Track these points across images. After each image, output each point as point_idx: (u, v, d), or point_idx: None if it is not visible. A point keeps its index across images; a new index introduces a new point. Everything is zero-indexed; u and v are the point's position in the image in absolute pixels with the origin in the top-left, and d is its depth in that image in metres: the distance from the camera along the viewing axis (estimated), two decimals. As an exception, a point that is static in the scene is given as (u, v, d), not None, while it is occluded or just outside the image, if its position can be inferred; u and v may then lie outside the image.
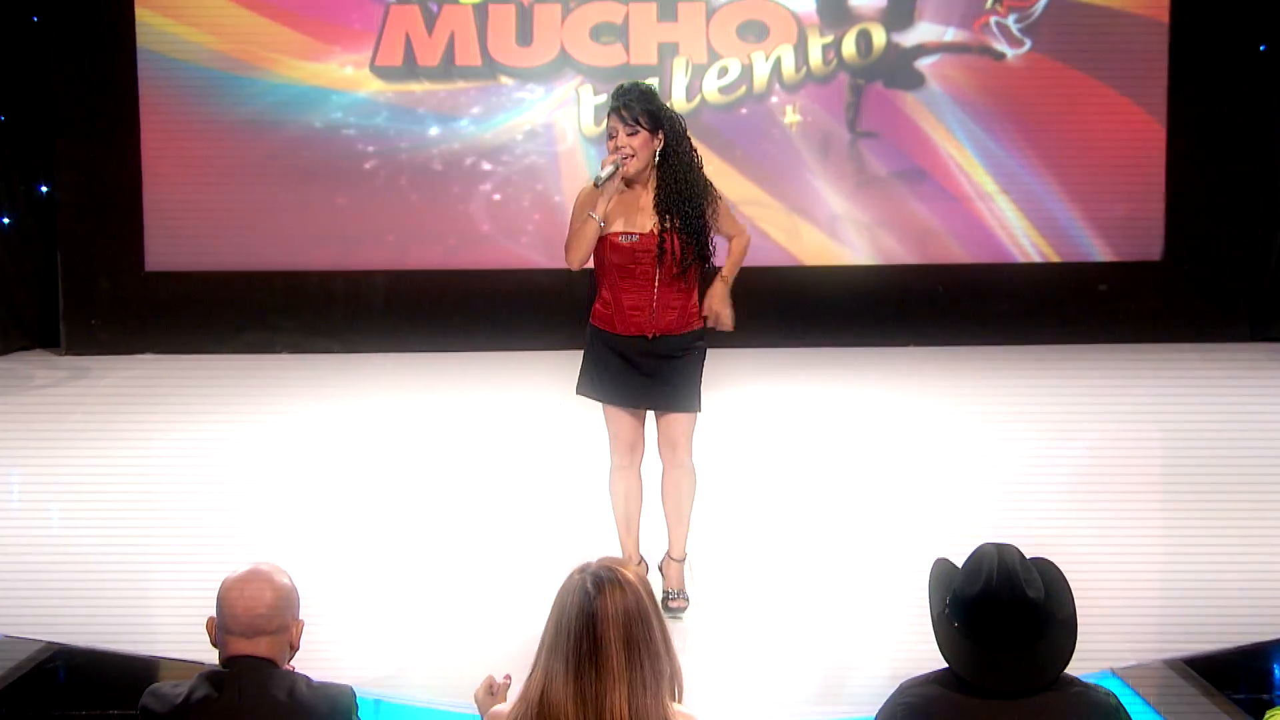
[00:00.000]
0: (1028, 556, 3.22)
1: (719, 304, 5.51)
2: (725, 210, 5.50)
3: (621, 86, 5.46)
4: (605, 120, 5.44)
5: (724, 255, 5.54)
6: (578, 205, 5.40)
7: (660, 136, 5.34)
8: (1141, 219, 10.20)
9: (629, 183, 5.35)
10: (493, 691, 3.35)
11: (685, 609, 5.54)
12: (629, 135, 5.30)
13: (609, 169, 5.27)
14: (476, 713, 3.37)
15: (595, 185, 5.28)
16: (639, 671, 2.95)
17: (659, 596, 5.50)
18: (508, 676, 3.35)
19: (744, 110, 10.02)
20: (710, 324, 5.53)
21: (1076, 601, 3.22)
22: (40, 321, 10.32)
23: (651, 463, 5.64)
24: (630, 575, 3.02)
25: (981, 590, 3.12)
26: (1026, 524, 6.41)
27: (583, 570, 3.03)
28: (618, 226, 5.33)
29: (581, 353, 5.59)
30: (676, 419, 5.49)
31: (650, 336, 5.40)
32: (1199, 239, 10.17)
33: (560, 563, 3.12)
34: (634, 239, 5.33)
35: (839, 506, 6.88)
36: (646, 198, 5.37)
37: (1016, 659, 3.10)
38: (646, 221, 5.34)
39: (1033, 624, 3.11)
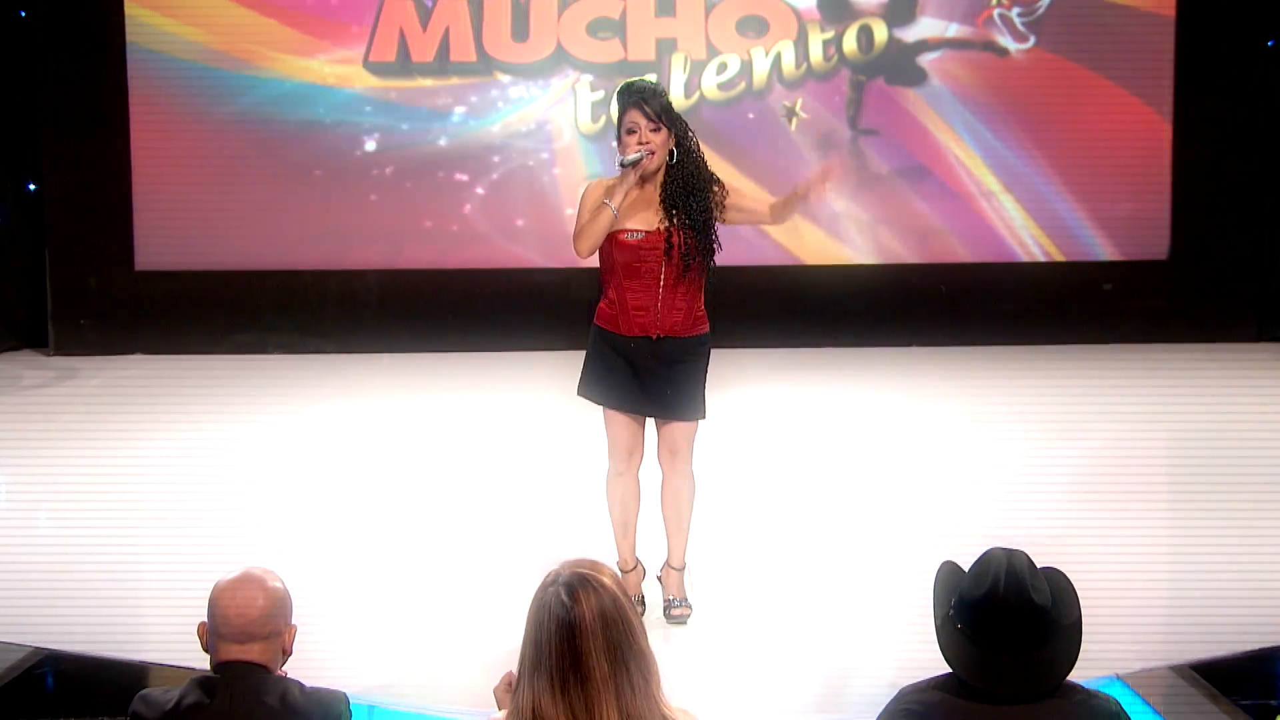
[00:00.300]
0: (1042, 567, 3.22)
1: (811, 182, 5.44)
2: (738, 194, 5.47)
3: (634, 83, 5.45)
4: (619, 115, 5.37)
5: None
6: (587, 197, 5.38)
7: (673, 135, 5.35)
8: (1147, 217, 10.20)
9: (640, 180, 5.34)
10: (512, 688, 3.32)
11: (689, 616, 5.54)
12: (652, 131, 5.30)
13: (636, 154, 5.26)
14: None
15: (621, 165, 5.27)
16: (625, 675, 2.92)
17: (660, 605, 5.52)
18: None
19: (744, 108, 10.03)
20: (828, 178, 5.45)
21: (1082, 606, 3.23)
22: (28, 321, 10.32)
23: (650, 468, 5.63)
24: (602, 576, 2.98)
25: (988, 593, 3.13)
26: (1030, 527, 6.41)
27: (554, 580, 2.99)
28: (625, 224, 5.33)
29: (579, 353, 5.59)
30: (678, 426, 5.48)
31: (654, 338, 5.39)
32: (1205, 237, 10.18)
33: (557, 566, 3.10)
34: (640, 236, 5.33)
35: (840, 509, 6.88)
36: (654, 195, 5.37)
37: (1020, 664, 3.11)
38: (653, 219, 5.35)
39: (1037, 629, 3.12)
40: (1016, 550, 3.20)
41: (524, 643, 2.97)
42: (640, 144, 5.29)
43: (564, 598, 2.94)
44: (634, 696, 2.92)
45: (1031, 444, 8.03)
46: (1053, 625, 3.14)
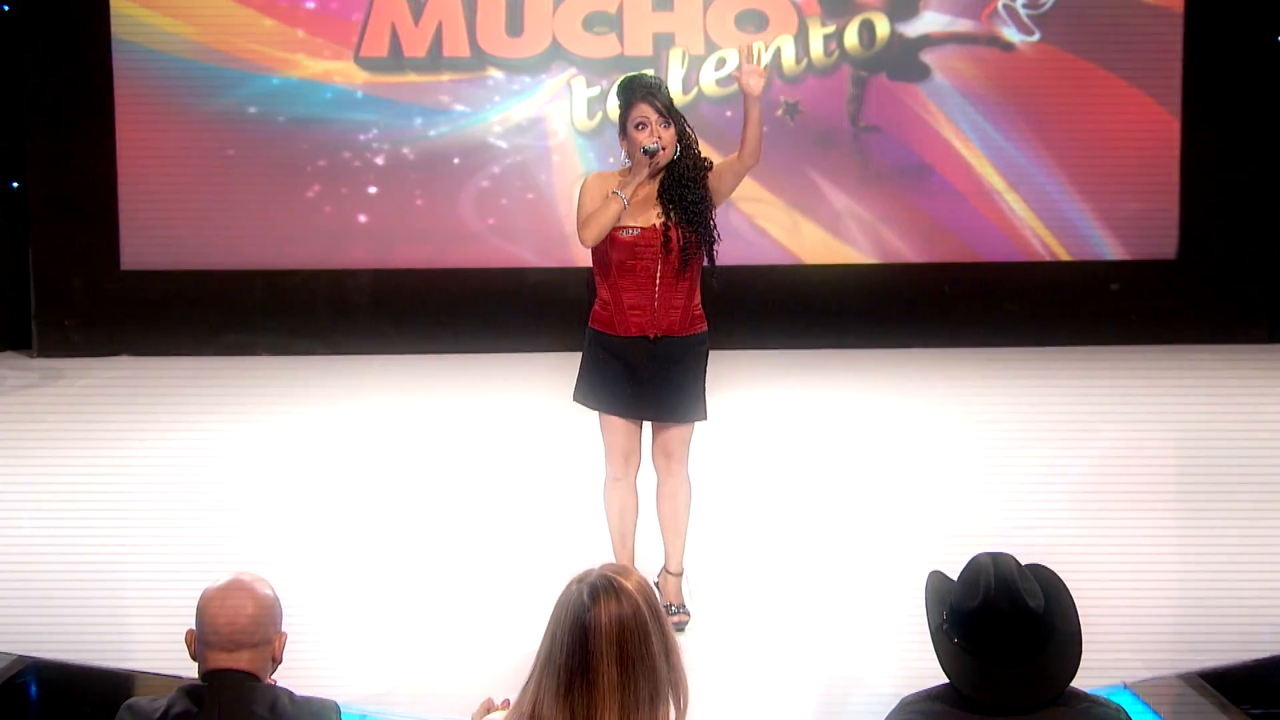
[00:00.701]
0: (1028, 563, 3.22)
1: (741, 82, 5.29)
2: (720, 165, 5.43)
3: (638, 76, 5.46)
4: (624, 108, 5.35)
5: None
6: (589, 190, 5.37)
7: (677, 130, 5.37)
8: (1155, 215, 10.21)
9: (649, 174, 5.35)
10: (489, 713, 3.34)
11: (686, 623, 5.54)
12: (663, 126, 5.31)
13: (655, 144, 5.26)
14: (464, 729, 3.37)
15: (644, 153, 5.27)
16: (632, 687, 2.93)
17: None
18: (506, 701, 3.35)
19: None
20: (748, 70, 5.28)
21: (1089, 612, 3.22)
22: (11, 322, 10.30)
23: (647, 474, 5.64)
24: (630, 585, 3.00)
25: (980, 603, 3.12)
26: (1037, 532, 6.42)
27: (581, 580, 3.02)
28: (621, 220, 5.33)
29: (575, 354, 5.59)
30: (673, 427, 5.49)
31: (652, 338, 5.39)
32: (1215, 236, 10.18)
33: (552, 575, 3.13)
34: (636, 233, 5.33)
35: (841, 515, 6.88)
36: (652, 191, 5.37)
37: (1019, 672, 3.10)
38: (650, 215, 5.35)
39: (1034, 636, 3.11)
40: (1002, 554, 3.19)
41: (542, 638, 3.00)
42: (655, 139, 5.29)
43: (585, 598, 2.96)
44: (638, 711, 2.92)
45: (1037, 447, 8.04)
46: (1049, 630, 3.13)
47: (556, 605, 3.01)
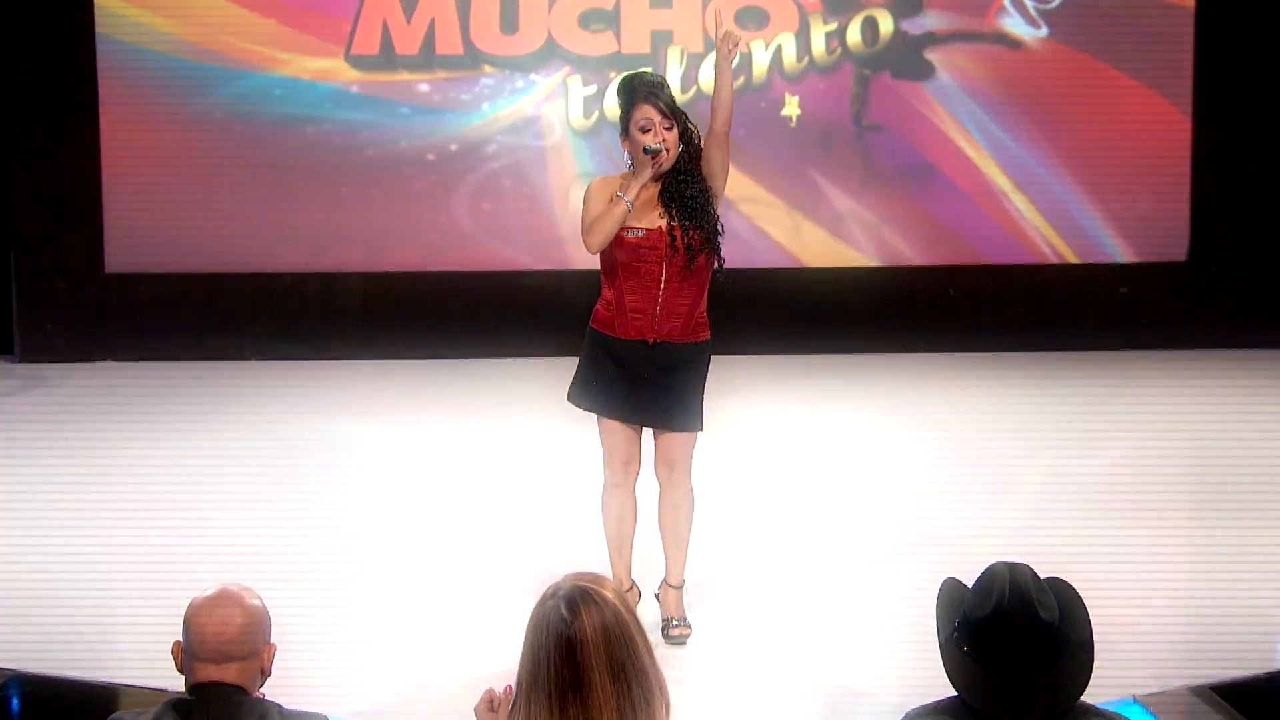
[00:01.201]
0: (1043, 576, 3.22)
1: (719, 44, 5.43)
2: (704, 144, 5.46)
3: (641, 75, 5.47)
4: (627, 108, 5.38)
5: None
6: (594, 194, 5.39)
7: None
8: (1165, 217, 10.21)
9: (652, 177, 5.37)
10: (494, 707, 3.33)
11: (688, 636, 5.55)
12: (667, 129, 5.33)
13: (658, 144, 5.29)
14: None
15: (645, 153, 5.29)
16: (627, 694, 2.93)
17: (658, 624, 5.52)
18: (508, 688, 3.34)
19: (743, 103, 10.03)
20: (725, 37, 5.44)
21: (1098, 624, 3.23)
22: (-8, 326, 10.31)
23: (647, 481, 5.64)
24: (605, 590, 2.99)
25: (992, 612, 3.12)
26: (1044, 542, 6.42)
27: (554, 594, 3.01)
28: (627, 221, 5.35)
29: (571, 359, 5.60)
30: (675, 437, 5.49)
31: (651, 342, 5.40)
32: (1226, 238, 10.18)
33: (548, 584, 3.11)
34: (641, 234, 5.35)
35: (843, 524, 6.89)
36: (654, 193, 5.39)
37: (1029, 685, 3.10)
38: (654, 216, 5.37)
39: (1046, 648, 3.11)
40: (1020, 564, 3.20)
41: (521, 659, 2.98)
42: (659, 140, 5.31)
43: (564, 612, 2.95)
44: (635, 717, 2.92)
45: (1044, 455, 8.04)
46: (1062, 642, 3.13)
47: (531, 624, 2.99)
